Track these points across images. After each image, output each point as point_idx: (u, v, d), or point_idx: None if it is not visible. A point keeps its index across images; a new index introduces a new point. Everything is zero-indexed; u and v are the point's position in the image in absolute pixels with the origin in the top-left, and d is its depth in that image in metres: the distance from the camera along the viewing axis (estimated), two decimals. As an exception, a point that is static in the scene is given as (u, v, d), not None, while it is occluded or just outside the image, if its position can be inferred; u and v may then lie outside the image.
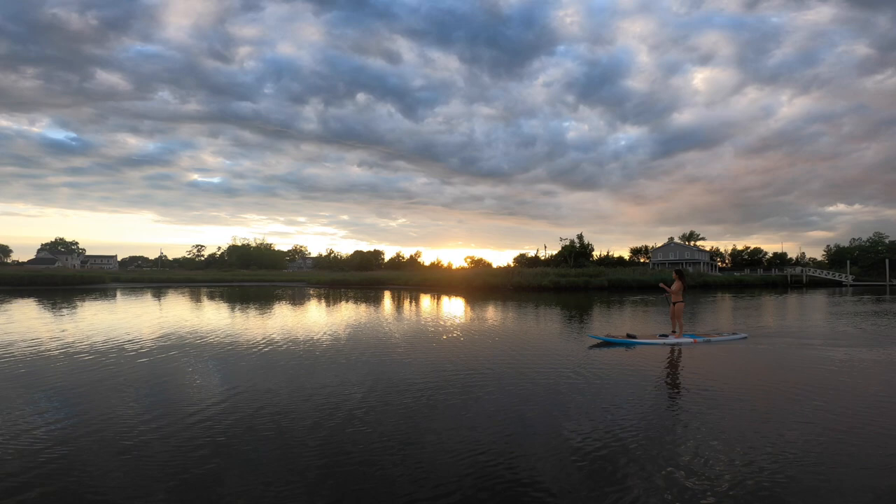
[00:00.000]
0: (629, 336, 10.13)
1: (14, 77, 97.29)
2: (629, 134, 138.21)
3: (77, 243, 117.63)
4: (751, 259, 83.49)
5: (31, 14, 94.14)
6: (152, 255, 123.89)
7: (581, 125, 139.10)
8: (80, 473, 3.60)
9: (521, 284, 38.17)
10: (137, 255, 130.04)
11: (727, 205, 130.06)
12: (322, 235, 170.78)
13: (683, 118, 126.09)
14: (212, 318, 15.93)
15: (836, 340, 10.59)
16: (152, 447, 4.11)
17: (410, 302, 25.27)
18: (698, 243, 78.05)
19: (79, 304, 22.46)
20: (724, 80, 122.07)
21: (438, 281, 46.80)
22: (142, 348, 9.25)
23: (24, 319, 14.92)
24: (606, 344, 9.74)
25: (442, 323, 14.31)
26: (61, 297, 27.88)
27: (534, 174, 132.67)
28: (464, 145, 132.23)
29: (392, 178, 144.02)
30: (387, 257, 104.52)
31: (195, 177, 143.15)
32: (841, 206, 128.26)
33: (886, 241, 77.49)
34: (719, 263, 78.95)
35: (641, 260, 78.46)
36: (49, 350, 8.95)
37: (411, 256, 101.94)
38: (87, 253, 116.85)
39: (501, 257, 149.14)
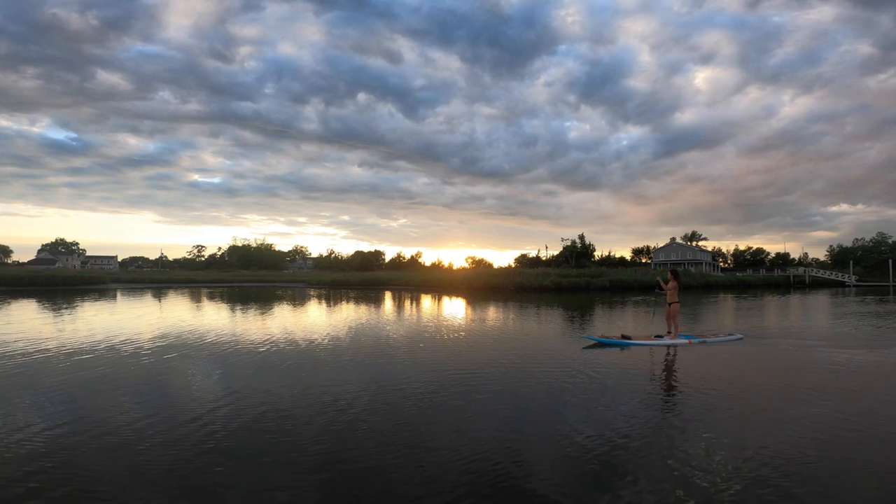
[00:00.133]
0: (624, 337, 10.02)
1: (14, 77, 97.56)
2: (631, 134, 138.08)
3: (77, 244, 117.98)
4: (753, 259, 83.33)
5: (31, 14, 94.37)
6: (152, 256, 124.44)
7: (582, 125, 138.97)
8: (81, 474, 3.60)
9: (523, 285, 38.06)
10: (138, 255, 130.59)
11: (729, 205, 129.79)
12: (322, 236, 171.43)
13: (685, 118, 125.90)
14: (212, 318, 15.85)
15: (833, 341, 10.50)
16: (153, 448, 4.09)
17: (411, 303, 25.19)
18: (700, 243, 77.85)
19: (79, 304, 22.42)
20: (726, 80, 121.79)
21: (439, 281, 46.74)
22: (142, 349, 9.17)
23: (25, 320, 14.85)
24: (601, 345, 9.63)
25: (442, 324, 14.22)
26: (62, 297, 27.83)
27: (535, 174, 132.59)
28: (465, 145, 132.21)
29: (393, 179, 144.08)
30: (387, 258, 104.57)
31: (195, 177, 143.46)
32: (844, 206, 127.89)
33: (890, 241, 77.19)
34: (721, 264, 78.80)
35: (643, 260, 78.25)
36: (49, 351, 8.87)
37: (412, 257, 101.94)
38: (88, 253, 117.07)
39: (502, 258, 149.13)
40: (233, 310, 19.90)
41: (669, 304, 10.36)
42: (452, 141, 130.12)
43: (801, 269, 62.10)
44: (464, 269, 74.53)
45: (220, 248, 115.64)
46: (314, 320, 15.49)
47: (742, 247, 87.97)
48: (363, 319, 15.72)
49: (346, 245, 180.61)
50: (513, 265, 67.21)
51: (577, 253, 67.45)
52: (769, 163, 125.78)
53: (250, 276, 71.61)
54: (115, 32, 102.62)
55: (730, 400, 5.65)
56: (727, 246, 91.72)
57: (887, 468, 3.70)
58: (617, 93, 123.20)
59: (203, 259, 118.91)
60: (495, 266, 71.59)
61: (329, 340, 10.61)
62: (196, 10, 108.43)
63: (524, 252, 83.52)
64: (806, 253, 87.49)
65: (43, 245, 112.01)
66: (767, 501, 3.15)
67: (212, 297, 29.34)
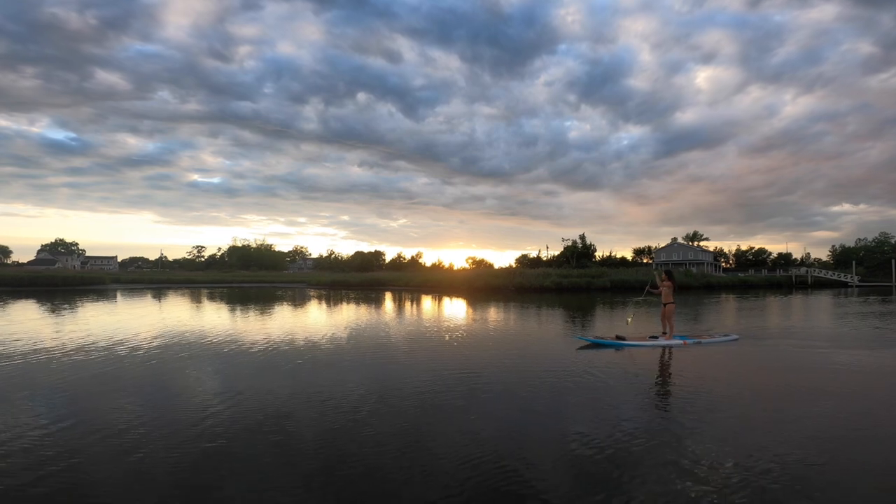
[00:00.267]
0: (618, 338, 9.93)
1: (13, 77, 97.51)
2: (631, 133, 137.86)
3: (77, 244, 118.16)
4: (755, 259, 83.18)
5: (30, 13, 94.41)
6: (152, 256, 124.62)
7: (583, 124, 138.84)
8: (82, 475, 3.60)
9: (523, 285, 38.00)
10: (137, 255, 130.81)
11: (731, 205, 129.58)
12: (322, 236, 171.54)
13: (686, 117, 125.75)
14: (212, 319, 15.82)
15: (830, 342, 10.45)
16: (154, 449, 4.07)
17: (412, 304, 25.14)
18: (702, 244, 77.74)
19: (79, 305, 22.40)
20: (727, 79, 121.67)
21: (440, 282, 46.71)
22: (143, 350, 9.14)
23: (25, 321, 14.82)
24: (595, 346, 9.57)
25: (443, 325, 14.19)
26: (61, 298, 27.82)
27: (535, 174, 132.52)
28: (465, 145, 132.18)
29: (393, 179, 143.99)
30: (388, 258, 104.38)
31: (195, 177, 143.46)
32: (846, 206, 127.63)
33: (892, 240, 77.09)
34: (723, 264, 78.66)
35: (644, 260, 78.08)
36: (50, 351, 8.83)
37: (412, 257, 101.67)
38: (87, 254, 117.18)
39: (503, 258, 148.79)
40: (233, 310, 19.86)
41: (664, 305, 10.30)
42: (452, 141, 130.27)
43: (803, 270, 61.93)
44: (464, 269, 74.54)
45: (219, 249, 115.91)
46: (315, 321, 15.46)
47: (744, 247, 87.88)
48: (364, 320, 15.69)
49: (346, 245, 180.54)
50: (513, 265, 67.15)
51: (578, 253, 67.30)
52: (771, 162, 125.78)
53: (250, 276, 71.63)
54: (113, 32, 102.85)
55: (729, 400, 5.63)
56: (729, 246, 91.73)
57: (887, 468, 3.69)
58: (617, 92, 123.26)
59: (203, 259, 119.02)
60: (496, 266, 71.61)
61: (330, 341, 10.57)
62: (195, 10, 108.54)
63: (525, 252, 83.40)
64: (808, 253, 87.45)
65: (42, 245, 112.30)
66: (768, 502, 3.12)
67: (212, 298, 29.31)
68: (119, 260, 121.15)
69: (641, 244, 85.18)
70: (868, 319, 15.59)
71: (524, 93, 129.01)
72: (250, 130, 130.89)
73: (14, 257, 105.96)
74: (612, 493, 3.26)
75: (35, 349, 9.13)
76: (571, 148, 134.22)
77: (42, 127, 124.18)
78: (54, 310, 19.45)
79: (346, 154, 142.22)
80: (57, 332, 11.98)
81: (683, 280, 42.92)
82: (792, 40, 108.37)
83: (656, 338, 9.98)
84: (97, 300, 26.32)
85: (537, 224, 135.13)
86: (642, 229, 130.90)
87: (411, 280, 49.75)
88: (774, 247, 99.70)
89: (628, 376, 6.99)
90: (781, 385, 6.40)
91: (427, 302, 26.09)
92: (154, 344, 9.95)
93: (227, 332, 12.06)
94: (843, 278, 57.65)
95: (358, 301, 26.49)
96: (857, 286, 51.64)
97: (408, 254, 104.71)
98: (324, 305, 23.18)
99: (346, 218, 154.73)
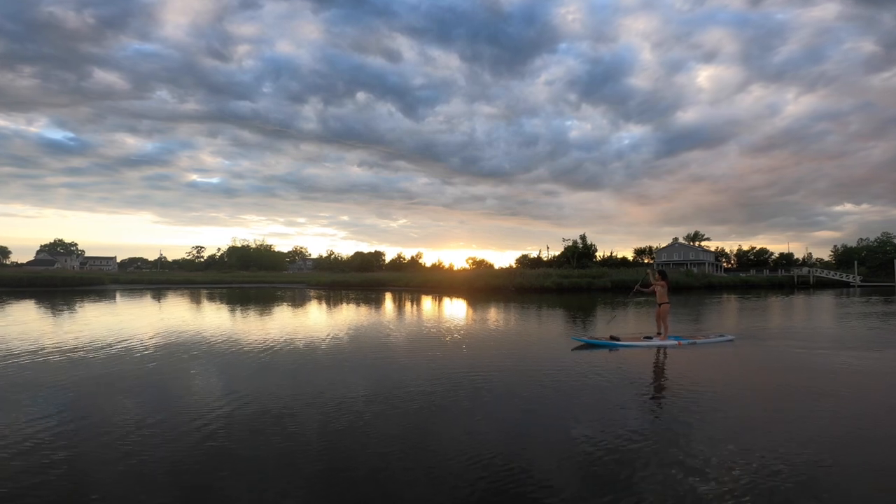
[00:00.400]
0: (612, 338, 9.88)
1: (11, 76, 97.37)
2: (632, 133, 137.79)
3: (76, 244, 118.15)
4: (757, 259, 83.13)
5: (27, 12, 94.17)
6: (151, 257, 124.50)
7: (584, 124, 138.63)
8: (82, 475, 3.60)
9: (524, 286, 37.94)
10: (136, 256, 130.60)
11: (732, 204, 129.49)
12: (322, 236, 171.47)
13: (687, 117, 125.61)
14: (212, 320, 15.79)
15: (828, 342, 10.42)
16: (155, 449, 4.06)
17: (412, 304, 25.10)
18: (703, 244, 77.82)
19: (79, 305, 22.37)
20: (729, 78, 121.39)
21: (440, 282, 46.65)
22: (143, 350, 9.11)
23: (25, 321, 14.78)
24: (590, 346, 9.53)
25: (444, 325, 14.16)
26: (61, 298, 27.78)
27: (536, 174, 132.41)
28: (465, 145, 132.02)
29: (392, 179, 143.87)
30: (388, 258, 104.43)
31: (194, 177, 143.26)
32: (848, 206, 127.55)
33: (894, 240, 76.97)
34: (725, 264, 78.64)
35: (645, 261, 78.01)
36: (50, 352, 8.80)
37: (412, 257, 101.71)
38: (87, 254, 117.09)
39: (503, 258, 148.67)
40: (233, 311, 19.83)
41: (659, 305, 10.27)
42: (452, 140, 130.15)
43: (805, 270, 61.89)
44: (464, 269, 74.49)
45: (219, 249, 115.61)
46: (315, 322, 15.42)
47: (745, 247, 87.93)
48: (364, 321, 15.66)
49: (345, 246, 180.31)
50: (514, 266, 67.15)
51: (579, 253, 67.18)
52: (773, 162, 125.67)
53: (250, 277, 71.51)
54: (111, 31, 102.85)
55: (728, 401, 5.61)
56: (730, 246, 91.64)
57: (887, 469, 3.68)
58: (618, 91, 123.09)
59: (202, 260, 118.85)
60: (496, 267, 71.60)
61: (330, 342, 10.54)
62: (193, 9, 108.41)
63: (525, 252, 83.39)
64: (810, 253, 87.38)
65: (41, 246, 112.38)
66: (778, 502, 3.09)
67: (211, 299, 29.26)
68: (118, 260, 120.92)
69: (642, 244, 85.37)
70: (869, 320, 15.54)
71: (524, 92, 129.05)
72: (249, 130, 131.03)
73: (13, 258, 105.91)
74: (621, 494, 3.23)
75: (35, 350, 9.09)
76: (572, 147, 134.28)
77: (40, 127, 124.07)
78: (54, 311, 19.41)
79: (345, 154, 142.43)
80: (57, 332, 11.94)
81: (684, 280, 42.87)
82: (794, 39, 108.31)
83: (651, 338, 9.95)
84: (97, 301, 26.28)
85: (538, 224, 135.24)
86: (643, 229, 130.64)
87: (411, 280, 49.67)
88: (776, 247, 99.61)
89: (628, 377, 6.96)
90: (780, 385, 6.39)
91: (427, 302, 26.04)
92: (154, 344, 9.91)
93: (227, 332, 12.03)
94: (845, 278, 57.60)
95: (358, 302, 26.44)
96: (859, 286, 51.56)
97: (408, 254, 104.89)
98: (324, 306, 23.13)
99: (345, 218, 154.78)
